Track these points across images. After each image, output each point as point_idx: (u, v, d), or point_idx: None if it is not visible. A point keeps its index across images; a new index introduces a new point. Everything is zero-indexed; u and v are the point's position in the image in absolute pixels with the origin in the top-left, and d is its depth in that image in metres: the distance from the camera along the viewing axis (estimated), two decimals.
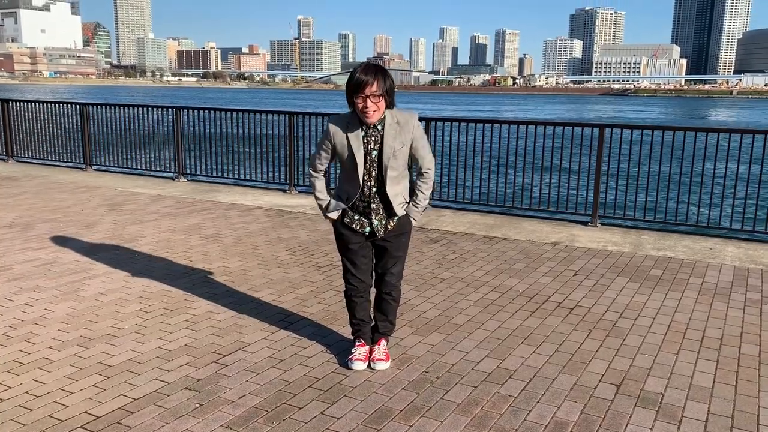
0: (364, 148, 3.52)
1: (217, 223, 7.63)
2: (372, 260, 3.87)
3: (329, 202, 3.73)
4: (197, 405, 3.41)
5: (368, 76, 3.36)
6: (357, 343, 3.95)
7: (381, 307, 3.91)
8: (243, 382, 3.68)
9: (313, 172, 3.74)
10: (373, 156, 3.52)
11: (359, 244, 3.74)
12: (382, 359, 3.88)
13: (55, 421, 3.23)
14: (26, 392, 3.52)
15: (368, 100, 3.38)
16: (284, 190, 9.84)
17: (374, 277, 3.92)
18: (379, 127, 3.50)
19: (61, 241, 6.68)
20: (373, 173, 3.55)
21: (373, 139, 3.51)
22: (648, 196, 7.74)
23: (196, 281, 5.45)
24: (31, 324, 4.47)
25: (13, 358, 3.94)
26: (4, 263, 5.87)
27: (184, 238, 6.89)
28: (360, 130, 3.51)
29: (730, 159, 7.15)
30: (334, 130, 3.54)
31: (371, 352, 3.91)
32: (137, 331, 4.38)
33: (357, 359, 3.85)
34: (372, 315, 3.98)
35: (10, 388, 3.57)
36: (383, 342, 3.97)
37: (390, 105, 3.49)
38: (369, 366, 3.84)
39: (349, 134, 3.51)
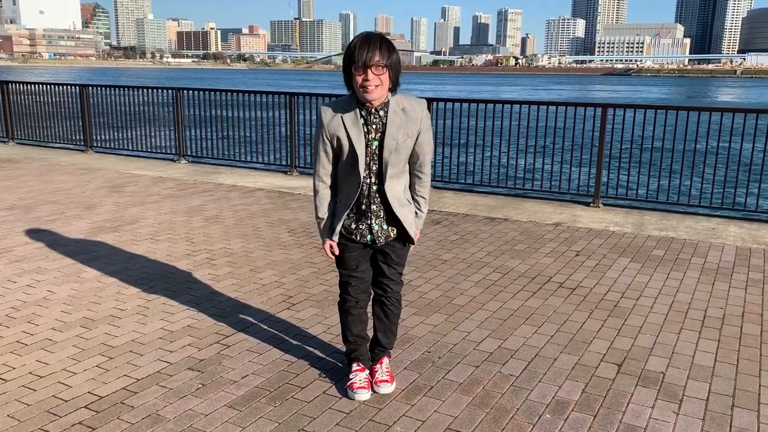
0: (364, 138, 2.99)
1: (219, 205, 7.63)
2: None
3: (327, 223, 3.20)
4: (200, 385, 3.43)
5: (370, 43, 2.82)
6: (354, 368, 3.41)
7: (382, 317, 3.40)
8: (245, 362, 3.69)
9: (318, 183, 3.14)
10: (374, 147, 3.00)
11: (358, 252, 3.23)
12: (387, 380, 3.39)
13: (59, 402, 3.25)
14: (30, 373, 3.53)
15: (369, 71, 2.81)
16: (285, 172, 9.81)
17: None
18: (381, 113, 2.97)
19: (62, 223, 6.68)
20: (374, 168, 3.03)
21: (374, 127, 2.98)
22: (650, 177, 7.72)
23: (198, 263, 5.46)
24: (34, 305, 4.48)
25: (16, 339, 3.96)
26: (6, 245, 5.88)
27: (185, 220, 6.89)
28: (359, 116, 2.97)
29: (734, 139, 7.10)
30: (329, 119, 2.99)
31: (373, 373, 3.42)
32: (139, 312, 4.39)
33: (360, 387, 3.31)
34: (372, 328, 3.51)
35: (14, 369, 3.58)
36: (386, 360, 3.48)
37: (394, 85, 2.96)
38: (372, 390, 3.37)
39: (346, 122, 2.96)
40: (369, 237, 3.17)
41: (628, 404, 3.32)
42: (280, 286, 4.92)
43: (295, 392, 3.38)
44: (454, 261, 5.61)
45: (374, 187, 3.08)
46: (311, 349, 3.88)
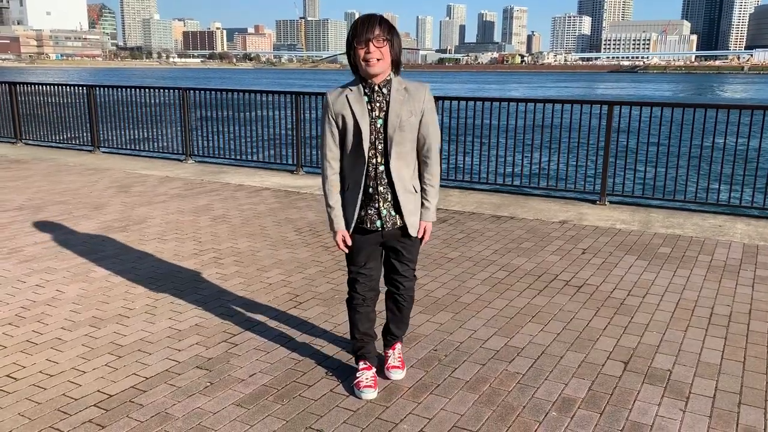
0: (368, 115, 3.05)
1: (226, 204, 7.66)
2: (381, 264, 3.40)
3: (339, 212, 3.18)
4: (208, 383, 3.46)
5: (370, 19, 2.95)
6: (361, 366, 3.43)
7: (395, 311, 3.47)
8: (253, 360, 3.72)
9: (327, 168, 3.16)
10: (378, 125, 3.05)
11: (369, 246, 3.24)
12: (398, 367, 3.49)
13: (68, 400, 3.28)
14: (40, 372, 3.57)
15: (371, 44, 2.91)
16: (292, 171, 9.84)
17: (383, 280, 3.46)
18: (385, 91, 3.05)
19: (70, 223, 6.72)
20: (379, 147, 3.07)
21: (377, 105, 3.04)
22: (657, 174, 7.70)
23: (205, 262, 5.48)
24: (44, 305, 4.52)
25: (26, 338, 3.99)
26: (16, 245, 5.92)
27: (192, 220, 6.92)
28: (363, 94, 3.05)
29: (741, 135, 7.08)
30: (334, 99, 3.08)
31: (385, 359, 3.54)
32: (147, 311, 4.42)
33: (366, 386, 3.32)
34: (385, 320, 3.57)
35: (24, 367, 3.62)
36: (398, 346, 3.57)
37: (396, 66, 3.05)
38: (383, 376, 3.48)
39: (350, 99, 3.04)
40: (379, 222, 3.16)
41: (634, 402, 3.32)
42: (287, 285, 4.95)
43: (303, 390, 3.40)
44: (460, 259, 5.62)
45: (380, 168, 3.10)
46: (318, 348, 3.89)
